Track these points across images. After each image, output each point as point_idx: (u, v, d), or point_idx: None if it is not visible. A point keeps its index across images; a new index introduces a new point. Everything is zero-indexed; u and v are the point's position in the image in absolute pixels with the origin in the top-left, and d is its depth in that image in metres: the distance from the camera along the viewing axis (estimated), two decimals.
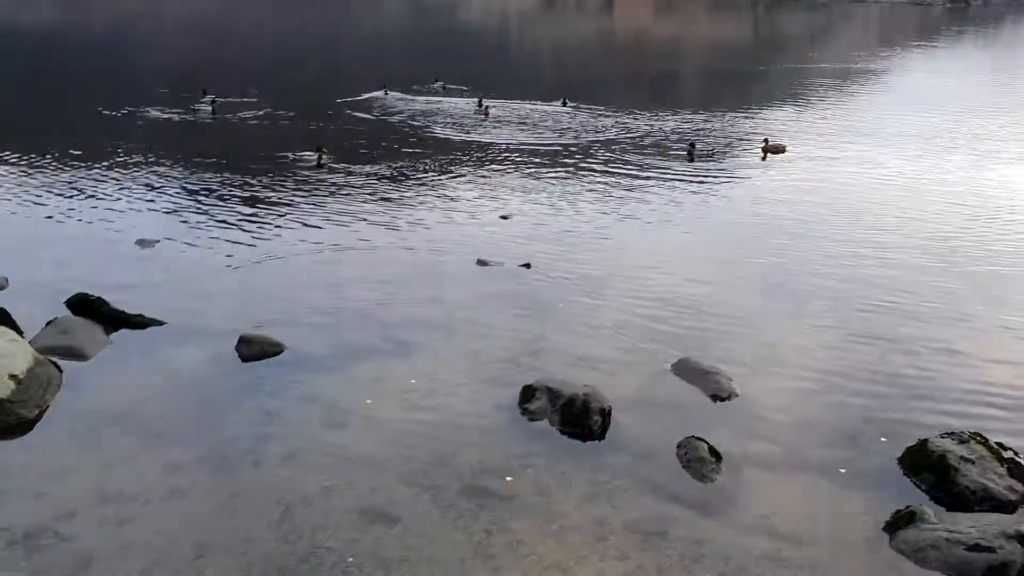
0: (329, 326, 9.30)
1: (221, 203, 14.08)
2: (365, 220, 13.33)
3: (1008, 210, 14.96)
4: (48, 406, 7.43)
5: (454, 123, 22.52)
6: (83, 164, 16.51)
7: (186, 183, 15.42)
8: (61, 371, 7.92)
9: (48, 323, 8.78)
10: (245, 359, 8.42)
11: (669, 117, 24.50)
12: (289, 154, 17.52)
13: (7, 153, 17.20)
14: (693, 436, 7.03)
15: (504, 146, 19.64)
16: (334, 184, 15.54)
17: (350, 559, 5.61)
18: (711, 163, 18.40)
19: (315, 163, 16.93)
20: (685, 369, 8.39)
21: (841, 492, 6.59)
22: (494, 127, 21.96)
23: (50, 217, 13.12)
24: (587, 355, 8.77)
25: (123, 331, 8.96)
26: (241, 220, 13.12)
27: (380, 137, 20.80)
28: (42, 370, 7.68)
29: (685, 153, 18.95)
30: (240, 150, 19.02)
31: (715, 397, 7.97)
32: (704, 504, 6.36)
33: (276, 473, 6.56)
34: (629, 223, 13.66)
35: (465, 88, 28.67)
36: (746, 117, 25.38)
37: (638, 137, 21.31)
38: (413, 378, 8.17)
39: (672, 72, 42.67)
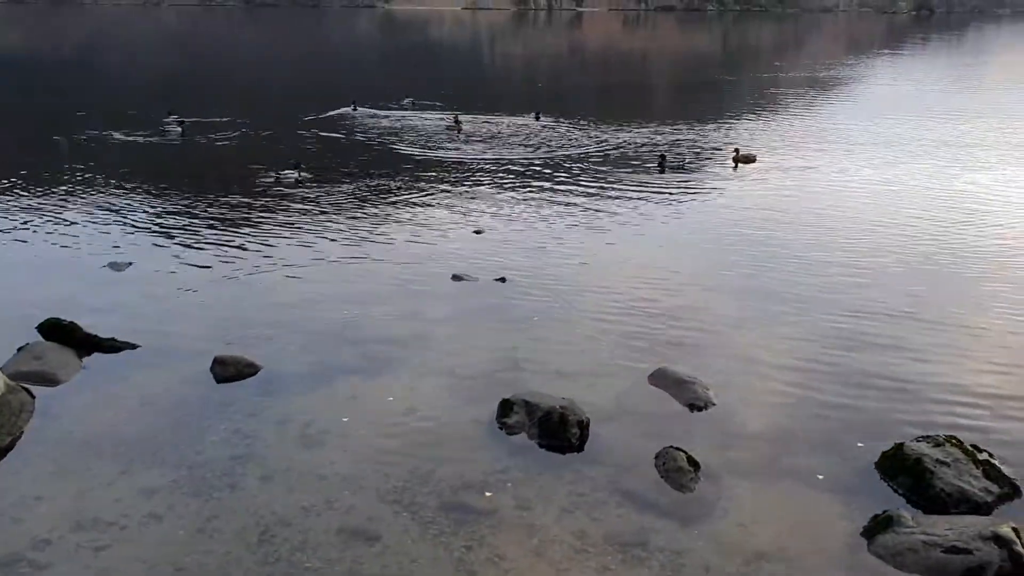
0: (304, 345, 9.25)
1: (192, 224, 14.00)
2: (337, 237, 13.29)
3: (978, 215, 15.14)
4: (21, 433, 7.34)
5: (425, 139, 22.53)
6: (51, 187, 16.35)
7: (156, 204, 15.32)
8: (34, 397, 7.82)
9: (19, 349, 8.68)
10: (220, 380, 8.35)
11: (640, 129, 24.64)
12: (260, 172, 17.47)
13: None
14: (671, 446, 7.04)
15: (476, 161, 19.66)
16: (305, 202, 15.48)
17: None
18: (682, 174, 18.50)
19: (293, 180, 16.87)
20: (662, 379, 8.41)
21: (819, 498, 6.62)
22: (464, 143, 21.97)
23: (19, 241, 12.97)
24: (564, 368, 8.77)
25: (96, 355, 8.87)
26: (212, 240, 13.05)
27: (351, 154, 20.78)
28: (14, 396, 7.59)
29: (656, 165, 19.05)
30: (209, 170, 18.95)
31: (692, 407, 7.99)
32: (683, 514, 6.37)
33: (254, 495, 6.51)
34: (602, 236, 13.70)
35: (437, 104, 28.73)
36: (716, 128, 25.58)
37: (609, 150, 21.42)
38: (390, 395, 8.14)
39: (642, 84, 42.94)
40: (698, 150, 21.57)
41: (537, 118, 25.71)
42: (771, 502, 6.59)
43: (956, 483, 6.52)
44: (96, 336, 9.01)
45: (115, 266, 11.71)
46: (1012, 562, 5.60)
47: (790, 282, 11.46)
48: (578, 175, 18.21)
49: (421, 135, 23.09)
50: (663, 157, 19.38)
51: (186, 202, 15.43)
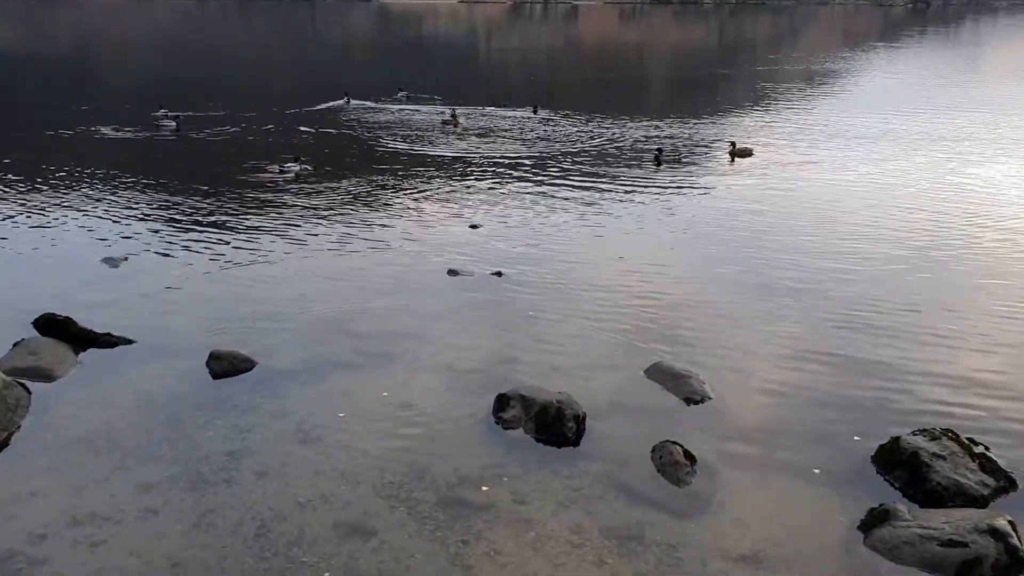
0: (300, 340, 9.24)
1: (187, 218, 13.98)
2: (332, 232, 13.27)
3: (976, 208, 15.14)
4: (17, 428, 7.33)
5: (420, 132, 22.51)
6: (45, 183, 16.33)
7: (151, 199, 15.29)
8: (30, 392, 7.81)
9: (15, 344, 8.66)
10: (216, 375, 8.34)
11: (636, 123, 24.63)
12: (255, 166, 17.46)
13: None
14: (668, 440, 7.04)
15: (472, 155, 19.65)
16: (300, 196, 15.47)
17: (326, 574, 5.57)
18: (678, 168, 18.50)
19: (294, 173, 16.87)
20: (658, 373, 8.41)
21: (816, 492, 6.62)
22: (459, 138, 21.94)
23: (14, 236, 12.95)
24: (560, 362, 8.77)
25: (92, 350, 8.86)
26: (207, 235, 13.03)
27: (345, 147, 20.76)
28: (10, 392, 7.57)
29: (652, 159, 19.04)
30: (204, 164, 18.91)
31: (688, 400, 7.99)
32: (680, 508, 6.37)
33: (250, 490, 6.50)
34: (598, 230, 13.70)
35: (432, 97, 28.69)
36: (712, 122, 25.57)
37: (605, 143, 21.41)
38: (386, 390, 8.13)
39: (638, 78, 42.90)
40: (694, 144, 21.57)
41: (535, 111, 25.68)
42: (767, 496, 6.59)
43: (952, 476, 6.52)
44: (92, 331, 8.99)
45: (111, 261, 11.69)
46: (1008, 555, 5.60)
47: (786, 276, 11.46)
48: (574, 169, 18.20)
49: (416, 129, 23.07)
50: (659, 151, 19.39)
51: (180, 197, 15.41)
